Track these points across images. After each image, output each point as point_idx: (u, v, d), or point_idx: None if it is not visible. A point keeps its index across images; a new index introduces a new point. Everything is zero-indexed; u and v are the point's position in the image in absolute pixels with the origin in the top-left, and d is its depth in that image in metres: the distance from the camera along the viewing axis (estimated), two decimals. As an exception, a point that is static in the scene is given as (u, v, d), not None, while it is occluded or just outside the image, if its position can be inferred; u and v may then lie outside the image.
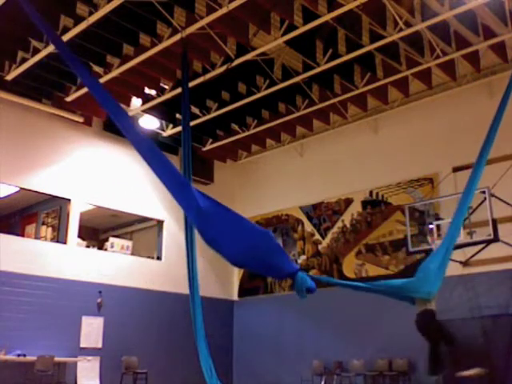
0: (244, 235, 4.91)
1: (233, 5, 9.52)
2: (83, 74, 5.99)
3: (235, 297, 16.26)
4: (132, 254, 14.39)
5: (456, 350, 11.17)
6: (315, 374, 13.43)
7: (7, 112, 12.41)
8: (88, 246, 13.90)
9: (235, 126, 14.71)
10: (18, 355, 11.14)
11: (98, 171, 13.87)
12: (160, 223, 15.13)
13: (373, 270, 13.58)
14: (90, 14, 9.76)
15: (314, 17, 10.07)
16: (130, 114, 13.49)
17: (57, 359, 11.41)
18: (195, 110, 13.48)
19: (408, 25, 10.32)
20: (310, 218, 15.28)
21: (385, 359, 12.57)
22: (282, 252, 5.16)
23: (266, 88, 12.51)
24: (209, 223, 4.89)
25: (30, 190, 12.94)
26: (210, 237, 4.92)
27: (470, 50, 11.15)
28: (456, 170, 12.30)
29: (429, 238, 10.92)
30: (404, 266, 13.04)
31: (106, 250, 13.98)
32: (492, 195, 10.39)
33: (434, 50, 11.24)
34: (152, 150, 5.19)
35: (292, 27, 10.35)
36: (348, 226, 14.42)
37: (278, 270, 5.17)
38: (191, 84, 11.27)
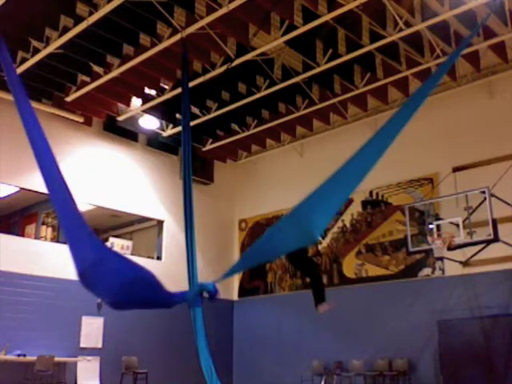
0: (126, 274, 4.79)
1: (233, 5, 9.51)
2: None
3: (235, 297, 16.25)
4: (132, 253, 14.35)
5: (456, 350, 11.21)
6: (315, 374, 13.43)
7: (7, 112, 12.40)
8: (88, 246, 13.88)
9: (235, 126, 14.70)
10: (18, 355, 11.14)
11: (98, 171, 13.85)
12: (160, 223, 15.10)
13: (373, 270, 13.59)
14: (90, 13, 9.75)
15: (314, 17, 10.07)
16: (130, 114, 13.52)
17: (57, 359, 11.41)
18: (195, 110, 13.47)
19: (408, 25, 10.32)
20: (309, 218, 15.24)
21: (385, 359, 12.57)
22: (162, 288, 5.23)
23: (266, 88, 12.50)
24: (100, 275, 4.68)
25: (30, 190, 12.92)
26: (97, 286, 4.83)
27: (470, 49, 11.14)
28: (456, 169, 12.30)
29: (429, 238, 10.91)
30: (404, 266, 13.06)
31: (105, 249, 13.96)
32: (492, 195, 10.38)
33: (434, 50, 11.23)
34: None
35: (292, 27, 10.34)
36: (348, 226, 14.41)
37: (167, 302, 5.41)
38: (191, 84, 11.26)
